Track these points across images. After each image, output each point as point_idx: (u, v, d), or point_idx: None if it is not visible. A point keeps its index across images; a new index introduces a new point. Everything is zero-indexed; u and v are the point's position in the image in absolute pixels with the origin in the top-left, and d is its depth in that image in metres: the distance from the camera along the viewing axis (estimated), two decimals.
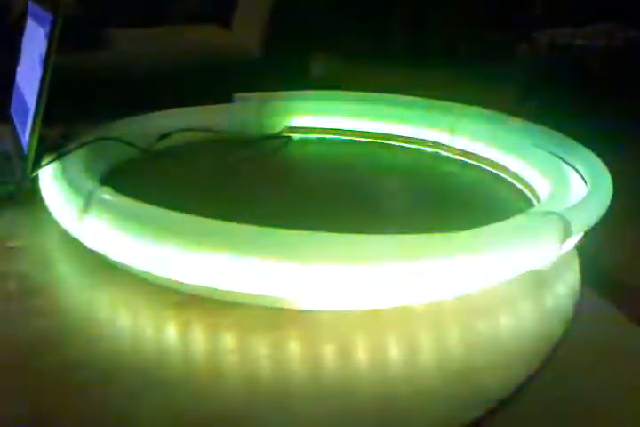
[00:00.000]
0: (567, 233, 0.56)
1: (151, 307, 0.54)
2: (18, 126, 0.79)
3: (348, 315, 0.53)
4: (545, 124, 0.83)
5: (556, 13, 2.60)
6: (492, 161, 0.83)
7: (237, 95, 0.97)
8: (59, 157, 0.68)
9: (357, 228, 0.51)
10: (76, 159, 0.69)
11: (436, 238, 0.52)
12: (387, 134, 0.93)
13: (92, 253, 0.57)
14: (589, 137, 0.79)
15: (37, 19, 0.77)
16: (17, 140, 0.77)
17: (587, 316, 0.55)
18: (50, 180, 0.65)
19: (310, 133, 0.95)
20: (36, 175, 0.68)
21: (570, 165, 0.74)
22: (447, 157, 0.88)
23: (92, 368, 0.46)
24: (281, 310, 0.52)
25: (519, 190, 0.77)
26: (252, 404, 0.43)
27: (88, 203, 0.56)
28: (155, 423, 0.42)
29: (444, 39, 3.02)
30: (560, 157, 0.75)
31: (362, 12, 3.03)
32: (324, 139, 0.95)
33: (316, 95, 0.99)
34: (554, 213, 0.57)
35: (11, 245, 0.62)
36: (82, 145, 0.72)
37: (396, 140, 0.92)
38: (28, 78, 0.77)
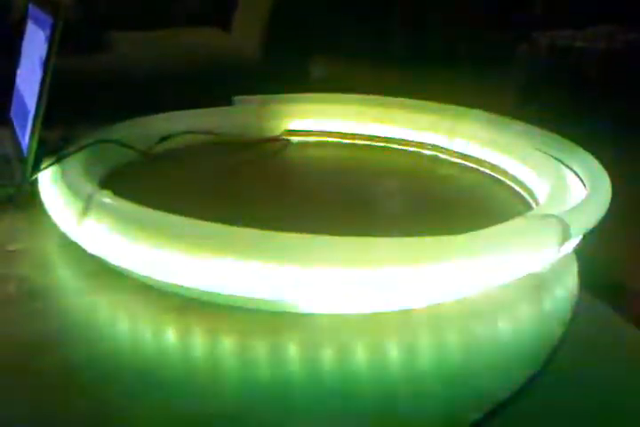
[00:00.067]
0: (566, 236, 0.56)
1: (151, 311, 0.54)
2: (17, 129, 0.79)
3: (348, 318, 0.53)
4: (544, 126, 0.83)
5: (556, 15, 2.60)
6: (491, 164, 0.83)
7: (237, 98, 0.97)
8: (58, 160, 0.68)
9: (356, 231, 0.51)
10: (75, 162, 0.69)
11: (435, 241, 0.53)
12: (386, 137, 0.93)
13: (92, 256, 0.57)
14: (588, 140, 0.79)
15: (38, 21, 0.77)
16: (17, 143, 0.77)
17: (585, 318, 0.56)
18: (49, 183, 0.65)
19: (310, 136, 0.95)
20: (36, 178, 0.68)
21: (568, 167, 0.74)
22: (446, 160, 0.88)
23: (91, 371, 0.46)
24: (281, 313, 0.53)
25: (518, 193, 0.77)
26: (251, 407, 0.43)
27: (87, 206, 0.57)
28: (154, 426, 0.42)
29: (444, 40, 3.02)
30: (559, 160, 0.76)
31: (361, 14, 3.03)
32: (324, 142, 0.95)
33: (315, 98, 0.99)
34: (552, 215, 0.57)
35: (11, 248, 0.63)
36: (81, 148, 0.72)
37: (395, 143, 0.93)
38: (28, 81, 0.77)
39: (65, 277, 0.61)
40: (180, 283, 0.53)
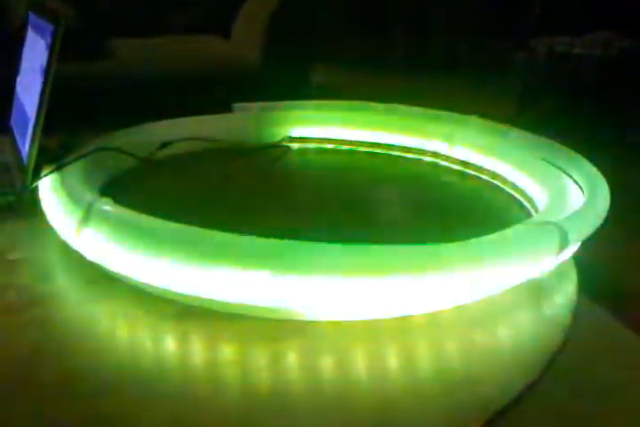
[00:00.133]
0: (564, 243, 0.56)
1: (151, 318, 0.54)
2: (18, 137, 0.79)
3: (348, 326, 0.53)
4: (542, 133, 0.84)
5: (553, 21, 2.61)
6: (491, 171, 0.84)
7: (237, 105, 0.97)
8: (58, 168, 0.68)
9: (357, 238, 0.51)
10: (75, 170, 0.69)
11: (434, 249, 0.53)
12: (386, 144, 0.93)
13: (92, 264, 0.58)
14: (586, 146, 0.79)
15: (38, 29, 0.78)
16: (17, 152, 0.77)
17: (584, 324, 0.56)
18: (49, 191, 0.65)
19: (310, 143, 0.96)
20: (36, 186, 0.68)
21: (567, 174, 0.74)
22: (446, 167, 0.88)
23: (91, 380, 0.46)
24: (280, 321, 0.53)
25: (517, 200, 0.78)
26: (251, 415, 0.43)
27: (87, 215, 0.57)
28: None
29: (443, 48, 3.04)
30: (557, 167, 0.76)
31: (363, 21, 3.05)
32: (324, 148, 0.95)
33: (315, 105, 0.99)
34: (551, 223, 0.57)
35: (11, 257, 0.63)
36: (81, 156, 0.73)
37: (395, 150, 0.93)
38: (29, 89, 0.77)
39: (65, 285, 0.61)
40: (180, 291, 0.53)
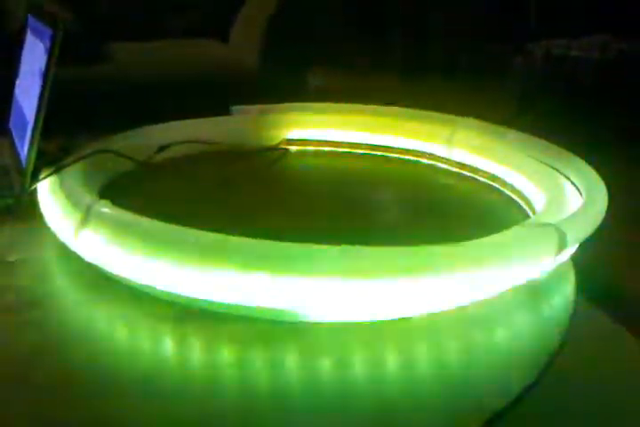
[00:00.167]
0: (562, 244, 0.56)
1: (149, 320, 0.54)
2: (16, 140, 0.79)
3: (347, 327, 0.53)
4: (540, 135, 0.84)
5: (551, 24, 2.62)
6: (489, 173, 0.84)
7: (235, 108, 0.98)
8: (57, 171, 0.69)
9: (355, 240, 0.51)
10: (74, 173, 0.69)
11: (433, 250, 0.53)
12: (384, 146, 0.94)
13: (91, 266, 0.58)
14: (584, 148, 0.80)
15: (37, 32, 0.78)
16: (15, 154, 0.77)
17: (582, 325, 0.56)
18: (48, 193, 0.66)
19: (308, 146, 0.96)
20: (35, 189, 0.69)
21: (565, 176, 0.74)
22: (444, 169, 0.88)
23: (90, 381, 0.46)
24: (279, 322, 0.53)
25: (515, 202, 0.78)
26: (250, 417, 0.43)
27: (86, 217, 0.57)
28: None
29: (441, 51, 3.04)
30: (555, 169, 0.76)
31: (361, 24, 3.05)
32: (322, 151, 0.95)
33: (313, 107, 1.00)
34: (549, 224, 0.58)
35: (10, 259, 0.63)
36: (80, 158, 0.73)
37: (393, 153, 0.93)
38: (27, 92, 0.77)
39: (64, 287, 0.61)
40: (178, 292, 0.53)
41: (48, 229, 0.63)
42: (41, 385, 0.46)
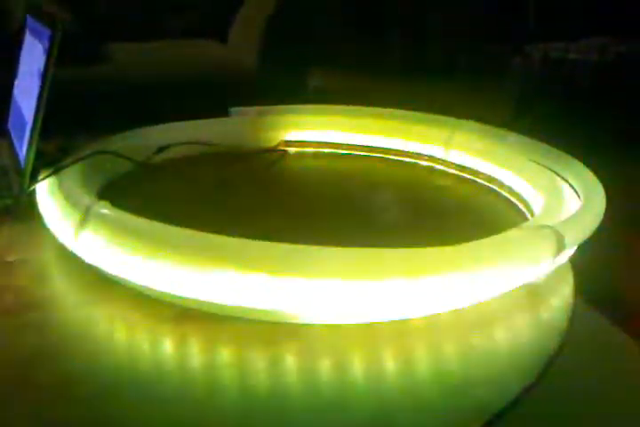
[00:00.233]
0: (560, 247, 0.56)
1: (149, 321, 0.54)
2: (15, 141, 0.79)
3: (345, 329, 0.53)
4: (538, 137, 0.84)
5: (549, 27, 2.62)
6: (487, 175, 0.84)
7: (234, 109, 0.98)
8: (56, 172, 0.69)
9: (353, 242, 0.51)
10: (73, 173, 0.69)
11: (431, 252, 0.53)
12: (382, 148, 0.94)
13: (90, 267, 0.58)
14: (582, 151, 0.80)
15: (35, 33, 0.78)
16: (14, 155, 0.77)
17: (581, 328, 0.56)
18: (47, 194, 0.66)
19: (306, 147, 0.96)
20: (34, 190, 0.69)
21: (563, 178, 0.74)
22: (442, 171, 0.89)
23: (89, 382, 0.46)
24: (278, 323, 0.53)
25: (513, 204, 0.78)
26: (249, 418, 0.43)
27: (85, 218, 0.57)
28: None
29: (440, 53, 3.05)
30: (553, 171, 0.76)
31: (360, 25, 3.06)
32: (320, 153, 0.95)
33: (312, 109, 1.00)
34: (547, 226, 0.58)
35: (9, 259, 0.63)
36: (79, 159, 0.73)
37: (391, 154, 0.93)
38: (26, 93, 0.77)
39: (63, 287, 0.61)
40: (178, 293, 0.53)
41: (47, 229, 0.63)
42: (41, 386, 0.46)
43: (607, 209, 0.65)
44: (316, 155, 0.95)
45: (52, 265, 0.64)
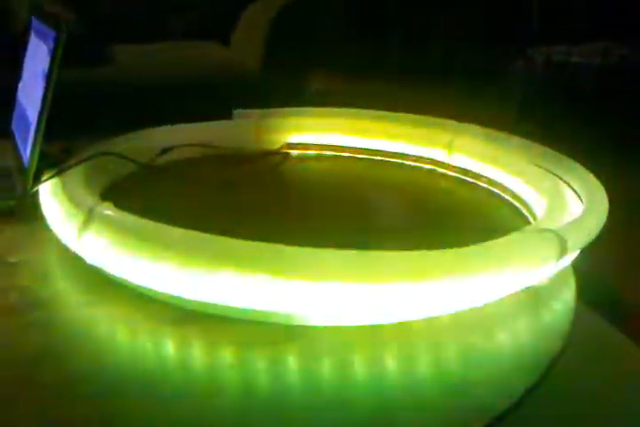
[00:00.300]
0: (563, 250, 0.57)
1: (151, 322, 0.54)
2: (19, 142, 0.80)
3: (346, 330, 0.53)
4: (540, 141, 0.84)
5: (552, 30, 2.63)
6: (489, 178, 0.84)
7: (237, 111, 0.98)
8: (59, 173, 0.69)
9: (355, 244, 0.51)
10: (76, 175, 0.69)
11: (433, 255, 0.53)
12: (385, 151, 0.94)
13: (93, 268, 0.58)
14: (584, 155, 0.80)
15: (40, 34, 0.78)
16: (18, 156, 0.77)
17: (582, 331, 0.56)
18: (50, 195, 0.66)
19: (309, 150, 0.96)
20: (37, 191, 0.69)
21: (565, 182, 0.74)
22: (444, 175, 0.89)
23: (92, 383, 0.46)
24: (279, 325, 0.53)
25: (516, 208, 0.78)
26: (250, 419, 0.44)
27: (88, 219, 0.57)
28: None
29: (442, 56, 3.05)
30: (556, 175, 0.76)
31: (362, 28, 3.06)
32: (323, 155, 0.96)
33: (314, 112, 1.00)
34: (550, 230, 0.58)
35: (12, 260, 0.63)
36: (82, 161, 0.73)
37: (393, 157, 0.93)
38: (30, 94, 0.77)
39: (66, 288, 0.61)
40: (180, 295, 0.53)
41: (50, 230, 0.63)
42: (45, 385, 0.46)
43: (610, 213, 0.65)
44: (318, 157, 0.95)
45: (54, 266, 0.64)
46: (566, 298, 0.60)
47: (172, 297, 0.54)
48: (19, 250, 0.65)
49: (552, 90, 2.22)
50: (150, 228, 0.55)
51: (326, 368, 0.50)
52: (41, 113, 0.69)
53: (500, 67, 2.48)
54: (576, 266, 0.64)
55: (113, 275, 0.57)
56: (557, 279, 0.60)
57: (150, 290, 0.54)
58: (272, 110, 0.99)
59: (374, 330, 0.53)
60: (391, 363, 0.50)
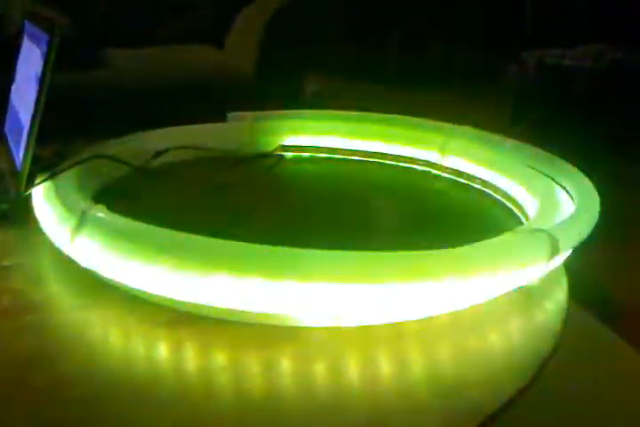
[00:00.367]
0: (555, 250, 0.57)
1: (144, 324, 0.54)
2: (12, 145, 0.80)
3: (341, 332, 0.53)
4: (533, 143, 0.85)
5: (545, 33, 2.64)
6: (482, 179, 0.84)
7: (231, 114, 0.98)
8: (52, 176, 0.69)
9: (349, 245, 0.52)
10: (69, 178, 0.69)
11: (425, 256, 0.53)
12: (378, 153, 0.94)
13: (86, 271, 0.58)
14: (576, 156, 0.80)
15: (33, 38, 0.78)
16: (10, 159, 0.77)
17: (574, 331, 0.56)
18: (43, 198, 0.66)
19: (303, 152, 0.96)
20: (30, 194, 0.69)
21: (557, 183, 0.75)
22: (438, 176, 0.89)
23: (85, 386, 0.46)
24: (274, 327, 0.53)
25: (508, 208, 0.78)
26: (245, 421, 0.44)
27: (81, 222, 0.57)
28: None
29: (437, 59, 3.06)
30: (548, 176, 0.77)
31: (359, 31, 3.07)
32: (317, 157, 0.96)
33: (309, 114, 1.00)
34: (542, 230, 0.58)
35: (5, 263, 0.63)
36: (75, 164, 0.73)
37: (387, 159, 0.94)
38: (23, 97, 0.77)
39: (59, 291, 0.61)
40: (174, 297, 0.53)
41: (43, 234, 0.63)
42: (38, 388, 0.46)
43: (601, 213, 0.66)
44: (313, 160, 0.96)
45: (48, 269, 0.64)
46: (558, 298, 0.60)
47: (166, 299, 0.54)
48: (12, 253, 0.65)
49: (545, 92, 2.23)
50: (143, 230, 0.55)
51: (320, 370, 0.50)
52: (34, 116, 0.69)
53: (495, 70, 2.48)
54: (568, 266, 0.64)
55: (106, 278, 0.56)
56: (549, 279, 0.60)
57: (144, 292, 0.54)
58: (266, 113, 0.99)
59: (368, 331, 0.53)
60: (385, 364, 0.51)
